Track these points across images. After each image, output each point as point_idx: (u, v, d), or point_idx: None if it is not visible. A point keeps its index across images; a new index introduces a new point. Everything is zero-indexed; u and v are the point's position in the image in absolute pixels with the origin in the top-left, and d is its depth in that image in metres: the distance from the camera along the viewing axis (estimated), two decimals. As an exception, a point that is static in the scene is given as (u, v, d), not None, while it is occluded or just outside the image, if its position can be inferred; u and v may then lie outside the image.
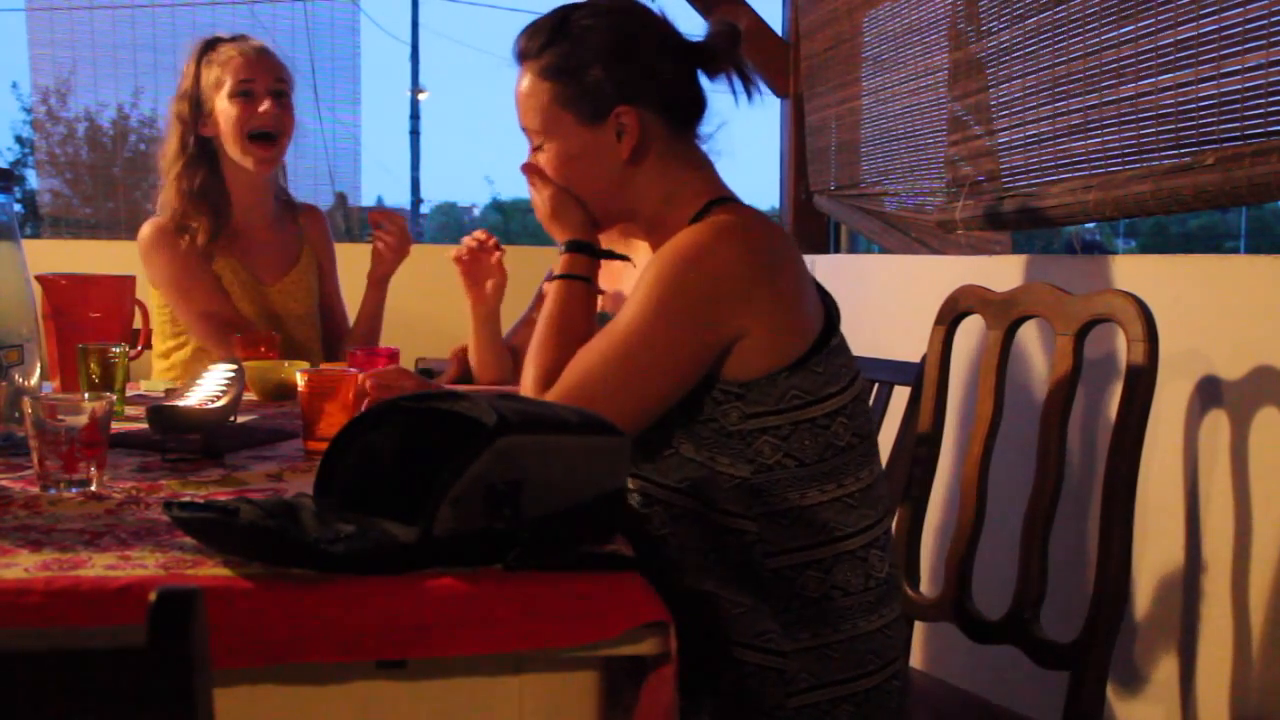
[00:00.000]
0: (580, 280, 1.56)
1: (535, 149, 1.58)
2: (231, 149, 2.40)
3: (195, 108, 2.39)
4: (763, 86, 1.60)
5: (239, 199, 2.46)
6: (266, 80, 2.39)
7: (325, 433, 1.53)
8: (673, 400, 1.43)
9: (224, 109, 2.37)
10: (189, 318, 2.40)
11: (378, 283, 2.52)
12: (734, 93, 1.56)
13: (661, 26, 1.54)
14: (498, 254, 2.20)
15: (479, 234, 2.21)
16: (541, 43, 1.53)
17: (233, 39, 2.44)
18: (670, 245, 1.44)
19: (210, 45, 2.42)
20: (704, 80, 1.58)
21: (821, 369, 1.44)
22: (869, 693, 1.46)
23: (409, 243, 2.48)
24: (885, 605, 1.49)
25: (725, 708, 1.45)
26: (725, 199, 1.53)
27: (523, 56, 1.56)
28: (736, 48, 1.55)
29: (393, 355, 2.00)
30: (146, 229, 2.42)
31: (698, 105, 1.56)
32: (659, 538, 1.48)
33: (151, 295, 2.47)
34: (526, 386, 1.50)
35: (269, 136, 2.39)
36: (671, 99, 1.54)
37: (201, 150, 2.40)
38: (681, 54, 1.54)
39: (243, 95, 2.37)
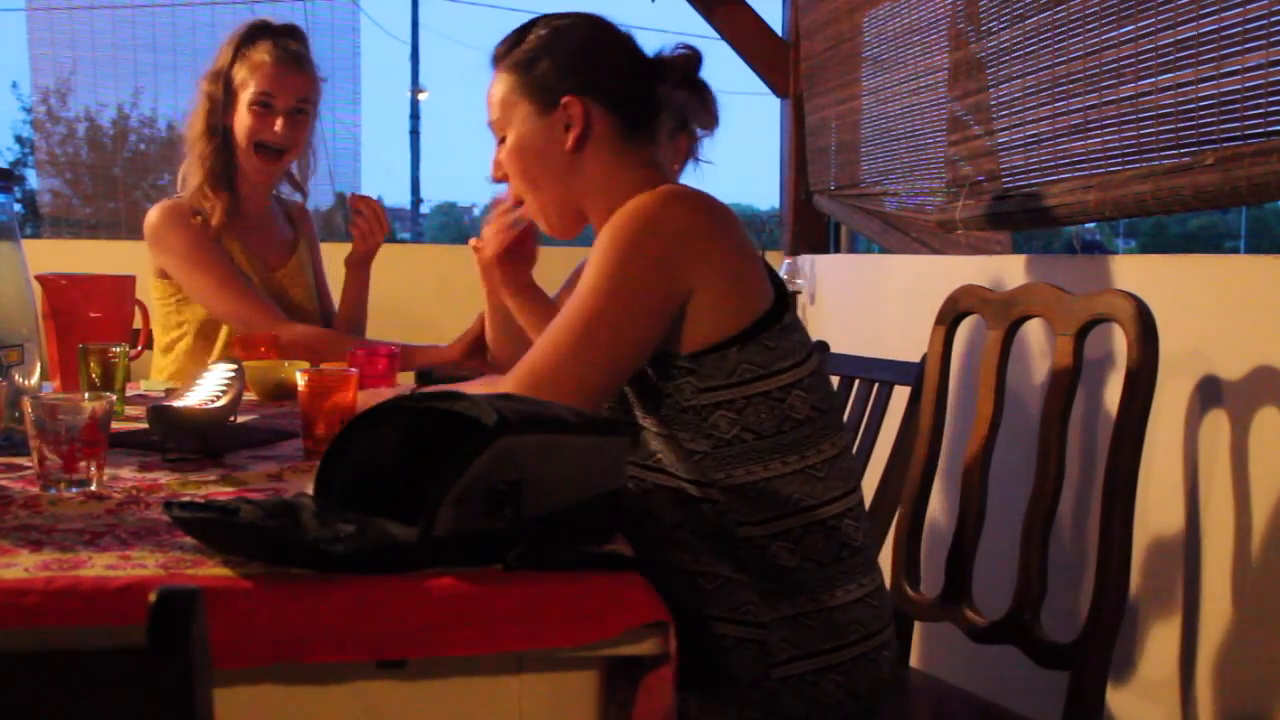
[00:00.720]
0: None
1: (500, 143, 1.65)
2: (241, 152, 2.44)
3: (226, 93, 2.42)
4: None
5: (248, 187, 2.49)
6: (287, 99, 2.42)
7: (325, 433, 1.53)
8: (634, 367, 1.47)
9: (241, 113, 2.41)
10: (207, 290, 2.40)
11: (356, 265, 2.57)
12: (686, 114, 1.69)
13: (621, 37, 1.63)
14: None
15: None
16: (509, 45, 1.63)
17: (274, 34, 2.44)
18: (616, 215, 1.49)
19: (251, 38, 2.43)
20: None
21: (774, 344, 1.47)
22: (855, 661, 1.47)
23: (385, 227, 2.53)
24: (864, 574, 1.50)
25: (709, 683, 1.45)
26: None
27: (495, 60, 1.65)
28: (694, 70, 1.65)
29: (393, 355, 2.00)
30: (156, 211, 2.44)
31: (649, 109, 1.62)
32: (630, 513, 1.50)
33: (153, 287, 2.46)
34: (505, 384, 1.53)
35: (273, 150, 2.43)
36: (621, 97, 1.59)
37: (225, 134, 2.44)
38: (637, 62, 1.62)
39: (261, 106, 2.40)
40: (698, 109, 1.68)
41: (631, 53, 1.63)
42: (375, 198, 2.54)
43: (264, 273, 2.50)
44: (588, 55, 1.60)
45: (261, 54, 2.41)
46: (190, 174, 2.45)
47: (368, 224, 2.51)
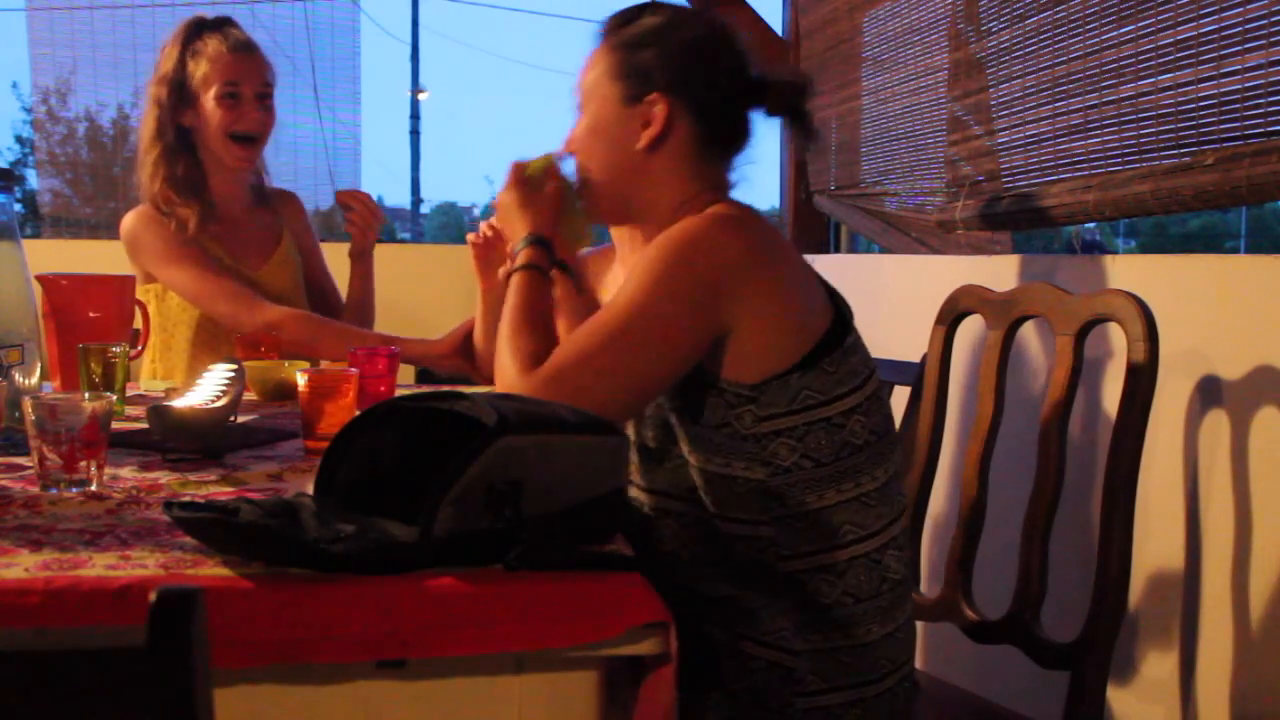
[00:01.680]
0: (541, 271, 1.57)
1: (579, 116, 1.60)
2: (213, 146, 2.42)
3: (178, 95, 2.40)
4: (815, 142, 1.62)
5: (218, 187, 2.47)
6: (253, 84, 2.41)
7: (325, 432, 1.53)
8: (664, 386, 1.43)
9: (209, 109, 2.39)
10: (188, 286, 2.39)
11: (357, 258, 2.56)
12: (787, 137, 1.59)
13: (735, 49, 1.56)
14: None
15: (495, 222, 2.20)
16: (620, 21, 1.57)
17: (217, 27, 2.43)
18: (666, 233, 1.45)
19: (195, 33, 2.41)
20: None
21: (834, 369, 1.44)
22: (879, 696, 1.46)
23: (379, 218, 2.53)
24: (898, 609, 1.49)
25: (732, 704, 1.45)
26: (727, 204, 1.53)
27: (603, 31, 1.58)
28: (802, 98, 1.57)
29: (393, 355, 2.00)
30: (130, 218, 2.43)
31: (738, 133, 1.56)
32: (671, 550, 1.48)
33: (139, 292, 2.46)
34: (508, 374, 1.46)
35: (250, 138, 2.43)
36: (712, 112, 1.53)
37: (180, 139, 2.42)
38: (742, 81, 1.55)
39: (229, 98, 2.39)
40: (796, 135, 1.62)
41: (738, 68, 1.55)
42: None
43: (245, 275, 2.48)
44: (691, 57, 1.53)
45: (215, 46, 2.40)
46: (148, 183, 2.42)
47: (362, 218, 2.50)
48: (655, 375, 1.42)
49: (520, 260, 1.58)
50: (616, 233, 1.66)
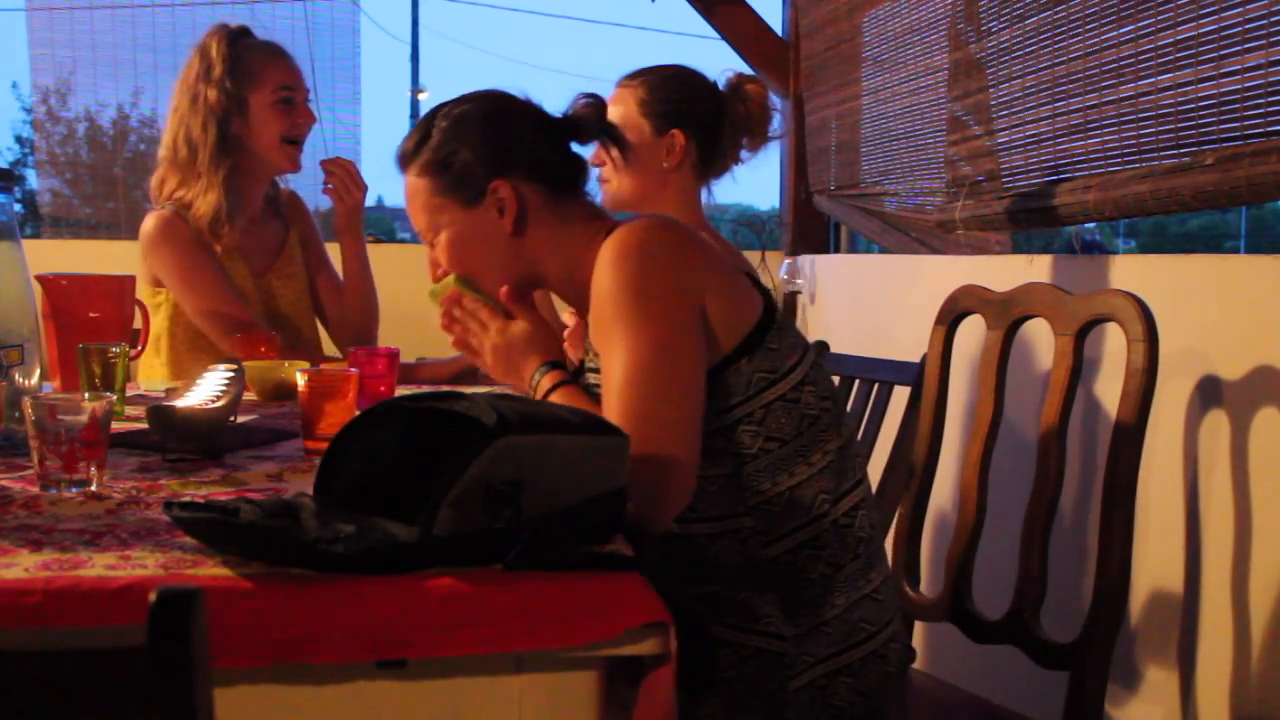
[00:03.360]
0: (570, 383, 1.54)
1: (431, 245, 1.60)
2: (265, 151, 2.41)
3: (231, 101, 2.37)
4: (626, 148, 1.66)
5: (250, 192, 2.47)
6: (303, 88, 2.44)
7: (325, 433, 1.53)
8: (703, 381, 1.41)
9: (262, 115, 2.38)
10: (196, 314, 2.40)
11: (344, 231, 2.53)
12: (610, 156, 1.71)
13: (524, 105, 1.58)
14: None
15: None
16: (415, 143, 1.58)
17: (248, 35, 2.44)
18: (600, 268, 1.43)
19: (234, 40, 2.41)
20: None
21: (776, 344, 1.47)
22: (865, 661, 1.47)
23: (359, 182, 2.50)
24: (872, 569, 1.50)
25: (727, 694, 1.45)
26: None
27: (402, 162, 1.59)
28: (603, 117, 1.60)
29: (393, 355, 2.00)
30: (153, 220, 2.40)
31: (573, 170, 1.59)
32: (654, 560, 1.48)
33: (141, 291, 2.45)
34: None
35: (299, 143, 2.44)
36: (544, 167, 1.56)
37: (232, 145, 2.40)
38: (548, 127, 1.58)
39: (284, 103, 2.40)
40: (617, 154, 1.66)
41: (538, 118, 1.58)
42: (350, 161, 2.52)
43: (252, 279, 2.47)
44: (500, 135, 1.55)
45: (263, 54, 2.40)
46: (201, 196, 2.37)
47: (341, 183, 2.47)
48: (696, 383, 1.39)
49: (547, 382, 1.54)
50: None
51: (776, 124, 2.20)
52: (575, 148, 1.61)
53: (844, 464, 1.49)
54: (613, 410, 1.36)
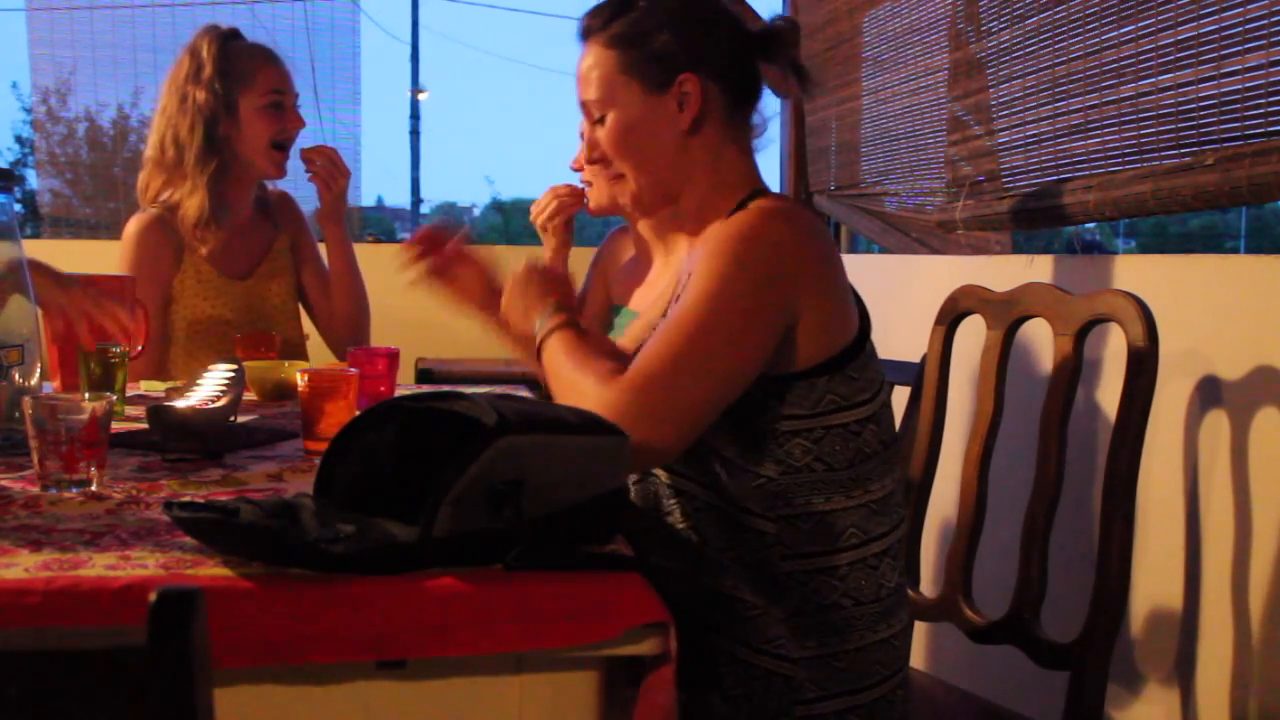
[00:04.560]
0: (575, 325, 1.51)
1: (595, 123, 1.55)
2: (253, 155, 2.39)
3: (220, 103, 2.35)
4: (815, 81, 1.58)
5: (237, 195, 2.45)
6: (292, 92, 2.43)
7: (325, 433, 1.53)
8: (749, 377, 1.40)
9: (251, 118, 2.37)
10: (175, 321, 2.38)
11: (327, 219, 2.49)
12: (786, 86, 1.56)
13: (725, 6, 1.54)
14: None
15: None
16: (608, 16, 1.53)
17: (236, 36, 2.42)
18: (723, 228, 1.44)
19: (227, 39, 2.39)
20: None
21: (857, 375, 1.44)
22: (875, 703, 1.46)
23: (343, 169, 2.46)
24: (894, 615, 1.48)
25: (732, 713, 1.44)
26: (764, 191, 1.54)
27: (587, 33, 1.54)
28: (796, 41, 1.56)
29: (393, 355, 2.00)
30: (133, 224, 2.39)
31: (755, 86, 1.55)
32: (680, 531, 1.48)
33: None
34: (588, 392, 1.37)
35: (288, 145, 2.42)
36: (733, 75, 1.52)
37: (219, 146, 2.38)
38: (745, 35, 1.54)
39: (274, 107, 2.38)
40: (796, 83, 1.56)
41: (737, 24, 1.54)
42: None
43: (238, 280, 2.45)
44: (701, 28, 1.50)
45: (255, 57, 2.39)
46: (187, 196, 2.36)
47: (325, 170, 2.43)
48: (743, 366, 1.39)
49: (552, 323, 1.50)
50: (642, 224, 1.64)
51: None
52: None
53: (884, 509, 1.47)
54: (654, 341, 1.38)
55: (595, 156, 1.57)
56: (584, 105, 1.56)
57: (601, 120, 1.54)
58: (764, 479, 1.43)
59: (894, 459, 1.50)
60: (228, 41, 2.40)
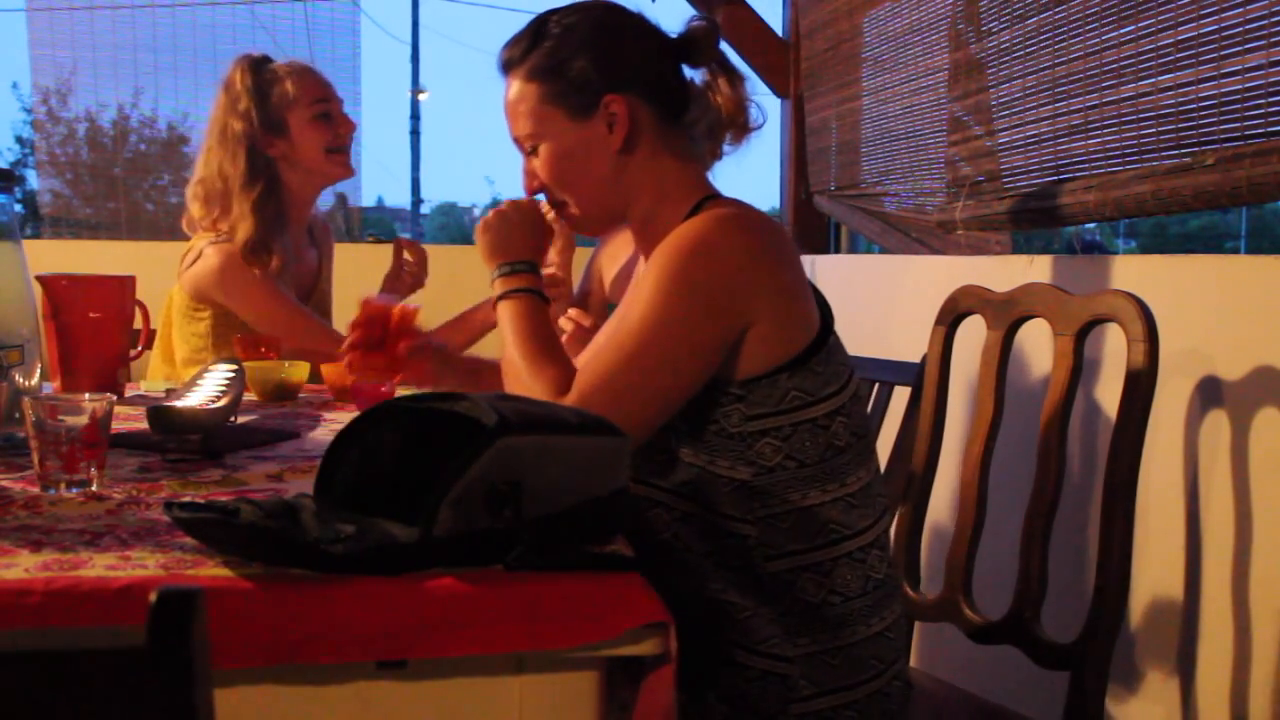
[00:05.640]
0: (538, 295, 1.54)
1: (529, 154, 1.57)
2: (311, 165, 2.42)
3: (263, 126, 2.38)
4: (755, 80, 1.59)
5: (295, 216, 2.48)
6: (336, 98, 2.48)
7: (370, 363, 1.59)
8: (691, 393, 1.42)
9: (303, 130, 2.40)
10: (283, 331, 2.36)
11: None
12: (717, 86, 1.55)
13: (640, 20, 1.54)
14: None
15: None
16: (524, 48, 1.53)
17: (270, 60, 2.46)
18: (672, 240, 1.44)
19: (259, 67, 2.42)
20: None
21: (821, 369, 1.44)
22: (871, 697, 1.46)
23: (426, 274, 2.55)
24: (885, 608, 1.48)
25: (728, 710, 1.45)
26: (716, 196, 1.53)
27: (507, 66, 1.55)
28: (717, 41, 1.56)
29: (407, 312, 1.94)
30: (216, 255, 2.37)
31: (683, 96, 1.55)
32: (664, 541, 1.48)
33: (180, 302, 2.42)
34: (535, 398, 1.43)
35: (344, 150, 2.47)
36: (658, 87, 1.52)
37: (263, 170, 2.39)
38: (663, 45, 1.54)
39: (323, 116, 2.42)
40: (728, 99, 1.55)
41: (654, 33, 1.53)
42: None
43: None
44: (618, 46, 1.51)
45: (286, 74, 2.42)
46: (245, 227, 2.36)
47: (414, 273, 2.52)
48: (682, 384, 1.41)
49: (506, 285, 1.54)
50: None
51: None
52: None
53: (864, 501, 1.47)
54: (601, 351, 1.41)
55: (536, 186, 1.58)
56: (516, 140, 1.58)
57: (535, 151, 1.55)
58: (737, 482, 1.43)
59: (868, 450, 1.50)
60: (260, 68, 2.42)
